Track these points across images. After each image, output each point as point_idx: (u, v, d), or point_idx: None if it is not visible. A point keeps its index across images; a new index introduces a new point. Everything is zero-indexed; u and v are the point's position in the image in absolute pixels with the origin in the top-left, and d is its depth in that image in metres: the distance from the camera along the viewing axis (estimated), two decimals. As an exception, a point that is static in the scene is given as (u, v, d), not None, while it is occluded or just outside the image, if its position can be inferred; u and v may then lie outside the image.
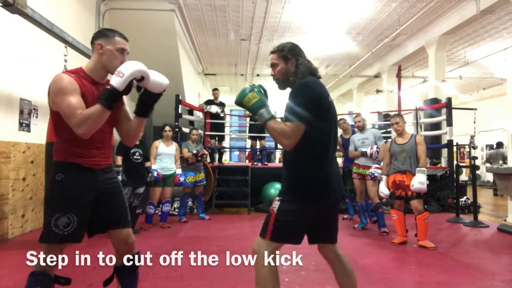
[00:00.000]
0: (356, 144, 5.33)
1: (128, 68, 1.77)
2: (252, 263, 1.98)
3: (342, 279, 2.01)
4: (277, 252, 1.87)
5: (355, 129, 5.62)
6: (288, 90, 1.94)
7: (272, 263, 1.81)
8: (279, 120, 1.83)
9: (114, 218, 2.01)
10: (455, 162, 7.21)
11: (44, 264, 1.85)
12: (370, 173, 4.97)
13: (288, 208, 1.82)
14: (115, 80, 1.75)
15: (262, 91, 1.87)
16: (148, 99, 1.95)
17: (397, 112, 7.90)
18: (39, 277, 1.85)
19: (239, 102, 1.86)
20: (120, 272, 2.08)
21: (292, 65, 1.92)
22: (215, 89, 8.73)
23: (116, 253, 2.08)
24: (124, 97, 1.96)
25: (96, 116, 1.75)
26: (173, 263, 3.49)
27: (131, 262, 2.09)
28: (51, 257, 1.86)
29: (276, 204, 1.85)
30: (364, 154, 5.15)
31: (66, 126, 1.81)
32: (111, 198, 2.01)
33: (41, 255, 1.87)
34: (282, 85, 1.98)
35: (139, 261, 2.15)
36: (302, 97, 1.78)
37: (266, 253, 1.80)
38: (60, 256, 1.89)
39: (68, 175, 1.86)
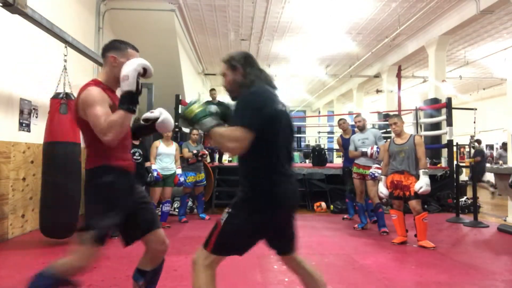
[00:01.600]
0: (356, 144, 5.34)
1: (129, 68, 1.79)
2: (252, 263, 1.98)
3: (309, 286, 1.94)
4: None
5: (355, 129, 5.62)
6: None
7: (209, 275, 1.73)
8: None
9: (150, 220, 2.02)
10: (455, 162, 7.22)
11: (73, 268, 1.80)
12: (370, 173, 4.97)
13: (234, 221, 1.74)
14: (125, 85, 1.79)
15: (212, 105, 1.85)
16: (147, 128, 2.09)
17: (397, 112, 7.94)
18: (61, 283, 1.77)
19: (181, 116, 1.81)
20: (150, 276, 2.06)
21: (239, 74, 1.86)
22: (212, 90, 8.73)
23: (149, 256, 2.05)
24: None
25: (120, 122, 1.76)
26: (173, 263, 3.51)
27: (160, 266, 2.11)
28: (84, 261, 1.81)
29: (224, 216, 1.77)
30: (364, 154, 5.16)
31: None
32: (144, 200, 2.05)
33: (72, 258, 1.80)
34: (231, 95, 1.92)
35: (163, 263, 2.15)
36: (248, 104, 1.72)
37: (204, 263, 1.73)
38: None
39: (115, 177, 1.88)
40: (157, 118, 2.08)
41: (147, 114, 2.12)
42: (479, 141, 10.29)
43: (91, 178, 1.91)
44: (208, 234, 1.81)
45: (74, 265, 1.79)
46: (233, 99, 1.91)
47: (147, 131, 2.19)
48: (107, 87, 1.94)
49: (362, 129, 5.37)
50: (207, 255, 1.75)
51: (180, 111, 1.85)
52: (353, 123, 5.82)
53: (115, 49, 1.95)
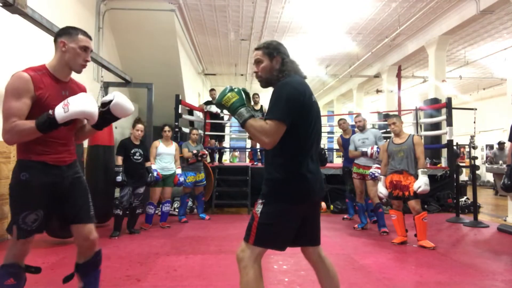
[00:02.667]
0: (356, 144, 5.34)
1: (75, 106, 1.75)
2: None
3: (325, 282, 1.97)
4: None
5: (355, 129, 5.62)
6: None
7: (257, 269, 1.75)
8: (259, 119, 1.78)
9: (74, 214, 2.01)
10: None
11: (15, 255, 1.89)
12: (370, 173, 4.97)
13: (271, 210, 1.76)
14: (58, 111, 1.74)
15: (243, 93, 1.82)
16: (107, 117, 1.98)
17: (396, 112, 7.94)
18: (11, 269, 1.88)
19: (219, 102, 1.81)
20: (81, 269, 2.07)
21: (277, 63, 1.87)
22: (212, 90, 8.74)
23: (77, 249, 2.07)
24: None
25: (26, 133, 1.77)
26: (173, 263, 3.51)
27: (93, 259, 2.08)
28: (19, 249, 1.90)
29: (259, 207, 1.79)
30: (364, 154, 5.16)
31: None
32: (75, 193, 2.02)
33: (12, 248, 1.90)
34: (264, 83, 1.92)
35: (100, 258, 2.12)
36: (284, 95, 1.73)
37: (250, 258, 1.74)
38: (30, 245, 1.94)
39: (32, 173, 1.88)
40: (110, 101, 1.97)
41: (102, 99, 2.04)
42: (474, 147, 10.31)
43: (13, 172, 1.93)
44: (247, 227, 1.82)
45: (13, 253, 1.90)
46: (264, 86, 1.93)
47: (107, 119, 2.01)
48: (49, 73, 1.91)
49: (362, 129, 5.38)
50: (252, 248, 1.76)
51: (217, 98, 1.80)
52: (353, 123, 5.82)
53: (65, 34, 1.92)
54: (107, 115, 1.96)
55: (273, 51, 1.88)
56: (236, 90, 1.81)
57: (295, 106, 1.72)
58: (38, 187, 1.87)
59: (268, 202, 1.79)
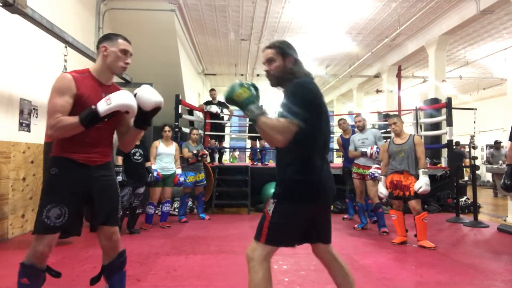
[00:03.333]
0: (356, 144, 5.34)
1: (117, 99, 1.85)
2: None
3: (340, 279, 1.98)
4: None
5: (355, 129, 5.62)
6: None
7: (266, 269, 1.75)
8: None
9: (104, 215, 2.05)
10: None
11: (34, 255, 1.90)
12: (370, 173, 4.97)
13: (283, 210, 1.77)
14: (102, 105, 1.83)
15: (253, 88, 1.80)
16: (142, 114, 2.02)
17: (396, 112, 7.94)
18: (27, 269, 1.90)
19: (229, 97, 1.78)
20: (108, 269, 2.10)
21: (289, 62, 1.88)
22: (212, 90, 8.74)
23: (103, 250, 2.11)
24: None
25: (69, 128, 1.85)
26: (173, 263, 3.51)
27: (117, 260, 2.10)
28: (40, 248, 1.89)
29: (271, 207, 1.79)
30: (364, 154, 5.15)
31: None
32: (104, 195, 2.05)
33: (32, 247, 1.90)
34: (275, 82, 1.91)
35: (124, 260, 2.15)
36: (300, 96, 1.74)
37: (260, 257, 1.74)
38: (51, 248, 1.93)
39: (62, 169, 1.94)
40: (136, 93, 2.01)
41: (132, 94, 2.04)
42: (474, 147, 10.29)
43: (48, 167, 1.99)
44: (257, 227, 1.83)
45: (33, 253, 1.90)
46: (275, 85, 1.92)
47: (143, 115, 2.02)
48: (92, 77, 2.00)
49: (362, 129, 5.38)
50: (263, 247, 1.77)
51: (226, 93, 1.80)
52: (353, 123, 5.82)
53: (107, 39, 2.03)
54: (139, 111, 1.99)
55: (287, 50, 1.89)
56: (246, 85, 1.79)
57: (310, 108, 1.74)
58: (64, 183, 1.93)
59: (280, 202, 1.79)
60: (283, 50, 1.89)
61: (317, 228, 1.92)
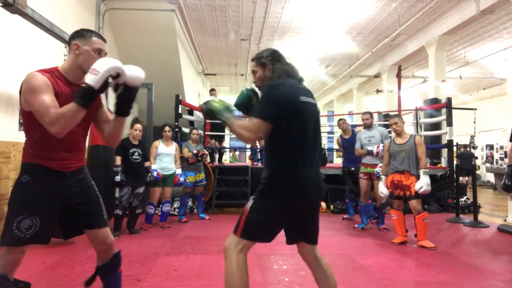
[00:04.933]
0: (362, 142, 5.30)
1: (103, 65, 1.72)
2: (252, 263, 2.00)
3: (322, 282, 1.99)
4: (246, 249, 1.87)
5: (355, 128, 5.61)
6: None
7: (241, 260, 1.81)
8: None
9: (86, 220, 1.98)
10: (455, 162, 7.21)
11: (6, 264, 1.80)
12: (376, 172, 4.96)
13: (259, 206, 1.84)
14: (90, 78, 1.70)
15: (252, 92, 2.02)
16: (126, 96, 1.90)
17: (396, 112, 7.94)
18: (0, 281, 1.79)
19: (206, 111, 1.97)
20: (102, 271, 2.06)
21: (269, 70, 1.97)
22: (212, 90, 8.74)
23: (96, 253, 2.06)
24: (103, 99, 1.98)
25: (70, 115, 1.71)
26: (173, 263, 3.51)
27: (111, 262, 2.06)
28: (10, 259, 1.81)
29: (250, 202, 1.88)
30: (370, 153, 5.09)
31: (37, 128, 1.78)
32: (82, 200, 1.97)
33: (3, 257, 1.81)
34: (261, 90, 2.03)
35: (119, 261, 2.11)
36: (268, 97, 1.84)
37: (236, 249, 1.81)
38: (23, 255, 1.85)
39: (34, 177, 1.83)
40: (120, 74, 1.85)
41: (110, 81, 1.87)
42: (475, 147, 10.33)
43: (19, 174, 1.88)
44: (237, 220, 1.90)
45: (4, 262, 1.81)
46: None
47: (126, 96, 1.92)
48: (61, 76, 1.86)
49: (369, 127, 5.34)
50: (238, 240, 1.84)
51: (204, 105, 2.05)
52: (353, 123, 5.82)
53: (79, 36, 1.89)
54: (121, 94, 1.89)
55: (265, 60, 1.99)
56: (223, 100, 2.00)
57: (279, 107, 1.81)
58: (37, 192, 1.82)
59: (258, 199, 1.86)
60: (260, 60, 2.00)
61: (301, 227, 1.96)
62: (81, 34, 1.90)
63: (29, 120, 1.82)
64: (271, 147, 1.89)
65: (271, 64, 1.98)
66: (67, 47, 1.94)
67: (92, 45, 1.87)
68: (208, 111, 1.97)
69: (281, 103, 1.81)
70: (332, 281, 1.98)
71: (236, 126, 1.85)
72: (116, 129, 2.02)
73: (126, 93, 1.89)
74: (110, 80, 1.77)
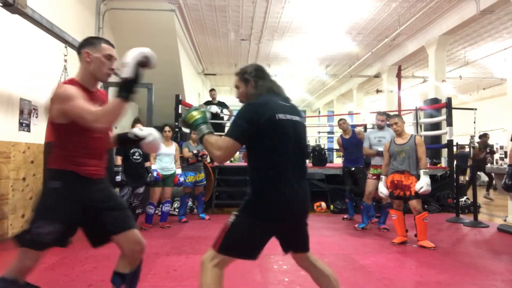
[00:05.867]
0: (371, 142, 5.27)
1: (130, 55, 1.76)
2: (252, 263, 2.00)
3: (322, 282, 2.00)
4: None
5: (355, 128, 5.60)
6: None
7: (216, 274, 1.75)
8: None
9: (118, 223, 1.96)
10: (455, 162, 7.21)
11: (20, 269, 1.82)
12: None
13: (240, 223, 1.80)
14: (123, 72, 1.75)
15: (207, 113, 1.95)
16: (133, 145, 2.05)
17: (396, 112, 7.94)
18: (10, 285, 1.79)
19: (183, 120, 1.93)
20: (130, 278, 2.00)
21: (252, 87, 1.95)
22: (212, 90, 8.74)
23: (125, 257, 1.99)
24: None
25: (115, 108, 1.75)
26: (173, 263, 3.51)
27: (139, 267, 2.04)
28: (27, 263, 1.82)
29: (231, 218, 1.82)
30: (379, 154, 5.02)
31: (72, 137, 1.85)
32: (110, 204, 1.97)
33: (17, 260, 1.81)
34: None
35: (141, 264, 2.09)
36: (241, 115, 1.81)
37: (212, 263, 1.76)
38: (35, 262, 1.85)
39: (65, 183, 1.85)
40: (144, 138, 2.14)
41: (136, 131, 2.16)
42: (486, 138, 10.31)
43: (44, 180, 1.90)
44: (217, 234, 1.84)
45: (18, 267, 1.82)
46: None
47: (132, 143, 2.22)
48: (81, 85, 1.90)
49: (381, 128, 5.31)
50: (215, 254, 1.78)
51: (182, 115, 2.02)
52: (353, 123, 5.80)
53: (89, 44, 1.93)
54: (132, 142, 2.10)
55: (248, 76, 1.96)
56: (200, 109, 1.93)
57: (252, 126, 1.76)
58: (65, 198, 1.83)
59: (239, 215, 1.82)
60: (244, 76, 1.97)
61: (289, 240, 1.96)
62: (91, 42, 1.95)
63: (63, 131, 1.86)
64: (251, 165, 1.86)
65: (253, 80, 1.94)
66: (78, 56, 1.97)
67: (102, 51, 1.92)
68: (184, 121, 1.93)
69: (255, 121, 1.76)
70: (333, 279, 1.98)
71: (207, 143, 1.81)
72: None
73: (134, 141, 2.08)
74: (141, 67, 1.82)
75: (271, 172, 1.80)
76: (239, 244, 1.80)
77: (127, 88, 1.75)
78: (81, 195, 1.87)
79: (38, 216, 1.82)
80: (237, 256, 1.81)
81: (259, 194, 1.82)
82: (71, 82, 1.90)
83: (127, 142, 2.18)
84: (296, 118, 1.91)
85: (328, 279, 1.98)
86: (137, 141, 2.14)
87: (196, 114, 1.88)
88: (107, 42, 1.97)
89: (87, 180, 1.90)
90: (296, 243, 1.98)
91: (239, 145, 1.77)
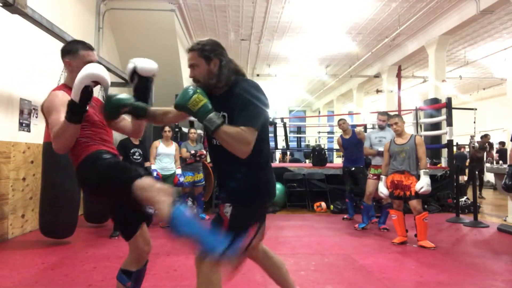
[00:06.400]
0: (372, 142, 5.28)
1: (77, 79, 1.71)
2: (252, 263, 1.99)
3: (273, 272, 1.99)
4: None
5: (355, 128, 5.60)
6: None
7: (215, 271, 1.67)
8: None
9: (142, 216, 1.96)
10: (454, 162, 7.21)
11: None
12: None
13: (239, 214, 1.70)
14: (72, 94, 1.73)
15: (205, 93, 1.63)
16: (140, 85, 1.97)
17: (396, 112, 7.94)
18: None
19: (183, 105, 1.58)
20: (136, 277, 1.98)
21: (215, 66, 1.71)
22: None
23: (133, 255, 1.97)
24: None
25: (61, 132, 1.73)
26: (173, 263, 3.51)
27: (145, 266, 2.03)
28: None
29: (227, 210, 1.71)
30: (380, 154, 5.03)
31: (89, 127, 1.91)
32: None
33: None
34: (203, 87, 1.68)
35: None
36: (257, 101, 1.64)
37: (209, 263, 1.65)
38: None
39: (112, 155, 1.90)
40: (135, 68, 1.97)
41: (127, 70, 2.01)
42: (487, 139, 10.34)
43: (85, 167, 1.83)
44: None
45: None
46: (207, 92, 1.66)
47: (142, 86, 2.00)
48: (70, 90, 1.84)
49: (383, 128, 5.32)
50: None
51: (178, 100, 1.62)
52: (353, 123, 5.81)
53: (68, 53, 1.94)
54: (139, 82, 1.96)
55: (210, 53, 1.71)
56: (199, 91, 1.59)
57: (265, 113, 1.70)
58: (121, 162, 1.92)
59: (236, 205, 1.72)
60: (204, 53, 1.71)
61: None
62: (69, 50, 1.95)
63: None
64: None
65: (218, 59, 1.71)
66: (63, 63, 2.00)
67: (82, 59, 1.92)
68: (181, 106, 1.60)
69: (266, 108, 1.70)
70: (284, 270, 2.00)
71: (227, 136, 1.56)
72: (138, 122, 2.08)
73: (141, 83, 1.97)
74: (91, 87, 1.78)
75: (262, 158, 1.78)
76: (240, 235, 1.71)
77: (72, 111, 1.71)
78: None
79: (122, 169, 1.78)
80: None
81: (253, 180, 1.74)
82: (61, 88, 1.94)
83: (138, 87, 1.99)
84: None
85: (280, 269, 1.99)
86: (140, 79, 1.99)
87: (200, 99, 1.57)
88: (86, 47, 1.97)
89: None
90: (261, 231, 1.95)
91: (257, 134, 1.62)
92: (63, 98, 1.82)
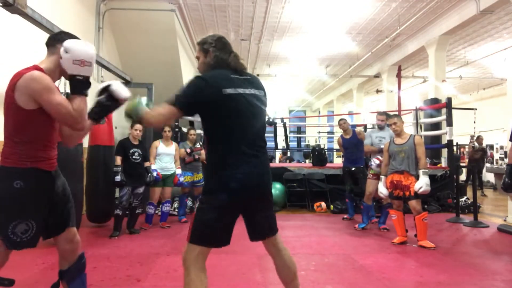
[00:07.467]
0: (373, 141, 5.30)
1: (91, 53, 1.79)
2: (252, 263, 2.00)
3: (281, 272, 1.99)
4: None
5: (355, 128, 5.60)
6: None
7: (199, 269, 1.73)
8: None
9: (69, 217, 1.97)
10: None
11: None
12: (370, 164, 5.05)
13: (204, 206, 1.78)
14: (85, 70, 1.76)
15: (143, 99, 1.91)
16: (106, 104, 1.94)
17: (396, 112, 7.94)
18: None
19: (126, 113, 1.86)
20: (66, 275, 1.98)
21: (209, 57, 1.92)
22: None
23: (61, 254, 1.99)
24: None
25: (86, 108, 1.78)
26: (173, 263, 3.51)
27: (77, 263, 2.01)
28: (2, 259, 1.84)
29: (197, 205, 1.85)
30: (381, 151, 4.98)
31: (30, 128, 1.77)
32: (65, 198, 1.97)
33: None
34: None
35: (84, 262, 2.06)
36: (187, 85, 1.84)
37: (191, 258, 1.74)
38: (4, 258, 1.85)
39: (27, 181, 1.76)
40: (108, 86, 1.95)
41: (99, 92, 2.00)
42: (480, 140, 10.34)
43: (5, 179, 1.77)
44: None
45: None
46: None
47: (105, 105, 1.97)
48: (48, 75, 1.83)
49: (382, 127, 5.35)
50: (190, 246, 1.76)
51: (125, 110, 1.90)
52: (353, 123, 5.82)
53: (62, 42, 1.87)
54: (106, 100, 1.94)
55: (208, 46, 1.92)
56: (134, 99, 1.89)
57: (196, 98, 1.79)
58: (32, 196, 1.78)
59: (202, 199, 1.84)
60: (203, 46, 1.94)
61: (253, 223, 1.92)
62: (64, 39, 1.86)
63: (26, 119, 1.76)
64: (208, 143, 1.86)
65: (212, 51, 1.91)
66: (49, 47, 1.94)
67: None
68: (126, 114, 1.86)
69: (199, 92, 1.78)
70: (293, 270, 1.99)
71: (149, 116, 1.81)
72: (80, 132, 2.01)
73: (108, 102, 1.93)
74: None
75: (221, 146, 1.79)
76: (205, 230, 1.76)
77: (88, 86, 1.78)
78: (44, 189, 1.84)
79: (8, 217, 1.76)
80: (206, 244, 1.77)
81: (212, 171, 1.81)
82: (40, 69, 1.82)
83: (103, 108, 1.97)
84: (251, 90, 1.86)
85: (288, 270, 1.98)
86: (109, 101, 1.96)
87: (134, 102, 1.84)
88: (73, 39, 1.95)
89: (47, 173, 1.85)
90: (261, 226, 1.92)
91: (181, 113, 1.83)
92: (51, 80, 1.81)
